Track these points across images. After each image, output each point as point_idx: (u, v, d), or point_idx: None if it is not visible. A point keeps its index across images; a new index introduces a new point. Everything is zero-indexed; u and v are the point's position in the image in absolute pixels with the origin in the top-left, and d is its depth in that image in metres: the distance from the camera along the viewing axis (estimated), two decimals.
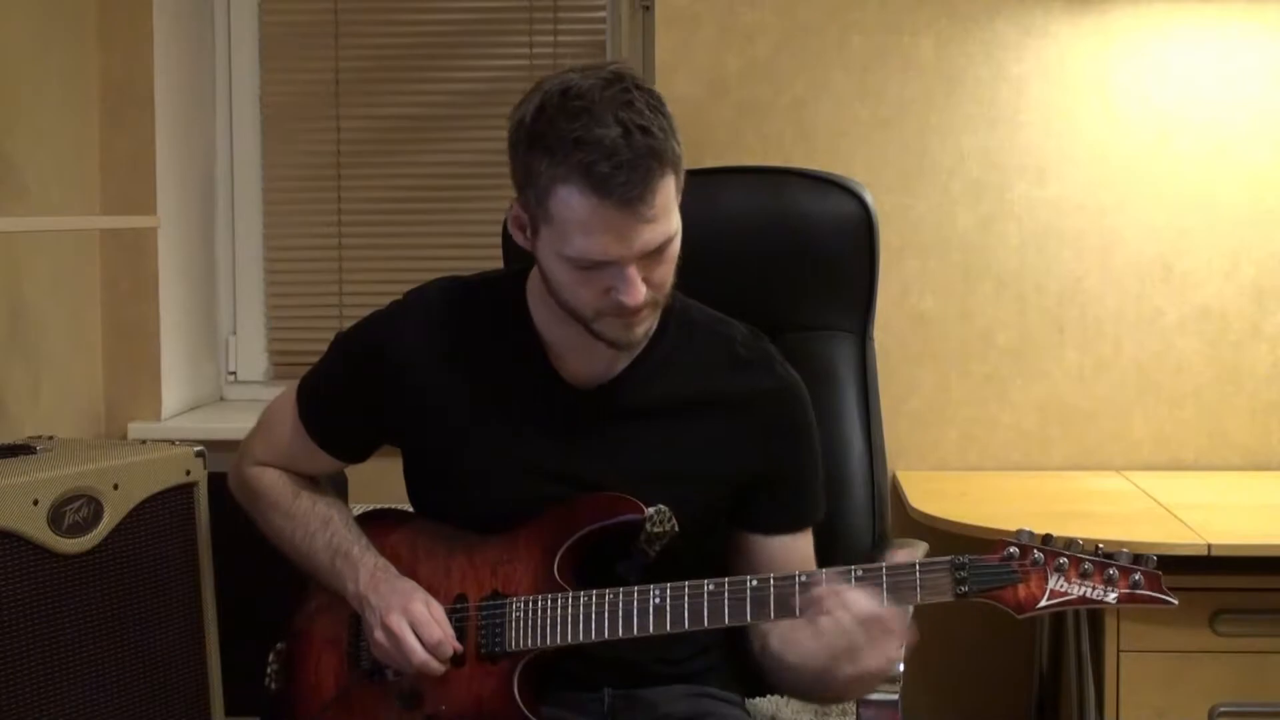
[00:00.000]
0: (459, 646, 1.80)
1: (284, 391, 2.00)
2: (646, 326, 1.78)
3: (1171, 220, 2.94)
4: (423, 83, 3.32)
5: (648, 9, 3.10)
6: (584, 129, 1.64)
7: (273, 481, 1.98)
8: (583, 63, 1.75)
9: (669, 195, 1.69)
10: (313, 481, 2.00)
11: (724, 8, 2.95)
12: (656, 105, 1.69)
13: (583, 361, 1.83)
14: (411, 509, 1.98)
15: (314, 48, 3.33)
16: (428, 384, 1.87)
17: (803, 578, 1.72)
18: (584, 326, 1.76)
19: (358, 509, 2.00)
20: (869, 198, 2.28)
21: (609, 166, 1.63)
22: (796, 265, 2.27)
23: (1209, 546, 2.34)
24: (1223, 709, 2.44)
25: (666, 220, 1.69)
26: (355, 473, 2.09)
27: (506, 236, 2.27)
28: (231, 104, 3.33)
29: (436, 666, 1.80)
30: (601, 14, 3.27)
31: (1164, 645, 2.42)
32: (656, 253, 1.70)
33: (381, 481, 2.07)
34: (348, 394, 1.93)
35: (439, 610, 1.82)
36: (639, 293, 1.70)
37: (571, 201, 1.66)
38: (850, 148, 2.94)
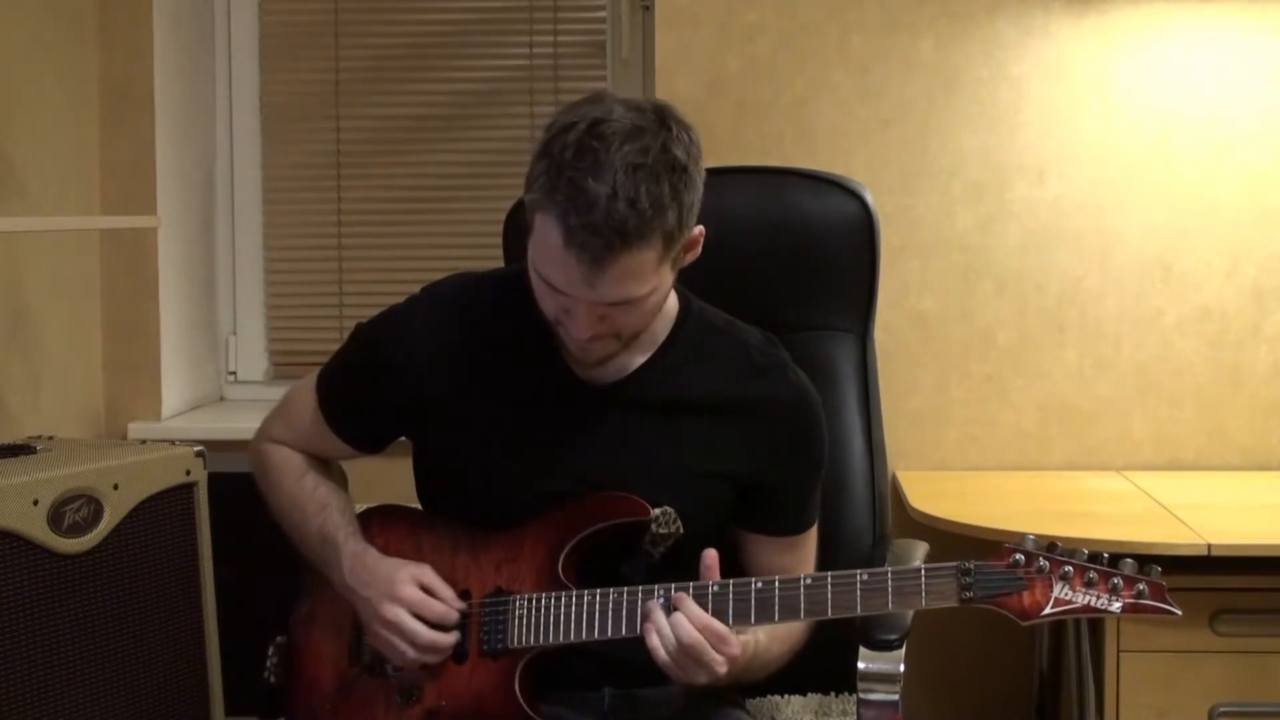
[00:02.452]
0: (463, 605, 1.81)
1: (308, 376, 2.02)
2: (604, 352, 1.79)
3: (1171, 220, 2.94)
4: (423, 83, 3.31)
5: (648, 9, 3.10)
6: (581, 175, 1.64)
7: (282, 460, 1.99)
8: (642, 99, 1.72)
9: (632, 268, 1.67)
10: (324, 464, 2.01)
11: (724, 8, 2.94)
12: (671, 173, 1.67)
13: None
14: (418, 505, 1.98)
15: (314, 48, 3.33)
16: (440, 380, 1.88)
17: (807, 580, 1.72)
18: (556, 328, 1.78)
19: (363, 507, 2.00)
20: (869, 198, 2.28)
21: (578, 222, 1.64)
22: (797, 265, 2.27)
23: (1209, 546, 2.34)
24: (1223, 709, 2.44)
25: (625, 286, 1.68)
26: (357, 473, 2.09)
27: (507, 236, 2.29)
28: (231, 104, 3.33)
29: (447, 640, 1.80)
30: (601, 14, 3.26)
31: (1164, 645, 2.42)
32: (617, 304, 1.71)
33: (383, 482, 2.07)
34: (363, 385, 1.94)
35: (430, 576, 1.82)
36: (582, 331, 1.72)
37: (547, 229, 1.68)
38: (850, 148, 2.94)
